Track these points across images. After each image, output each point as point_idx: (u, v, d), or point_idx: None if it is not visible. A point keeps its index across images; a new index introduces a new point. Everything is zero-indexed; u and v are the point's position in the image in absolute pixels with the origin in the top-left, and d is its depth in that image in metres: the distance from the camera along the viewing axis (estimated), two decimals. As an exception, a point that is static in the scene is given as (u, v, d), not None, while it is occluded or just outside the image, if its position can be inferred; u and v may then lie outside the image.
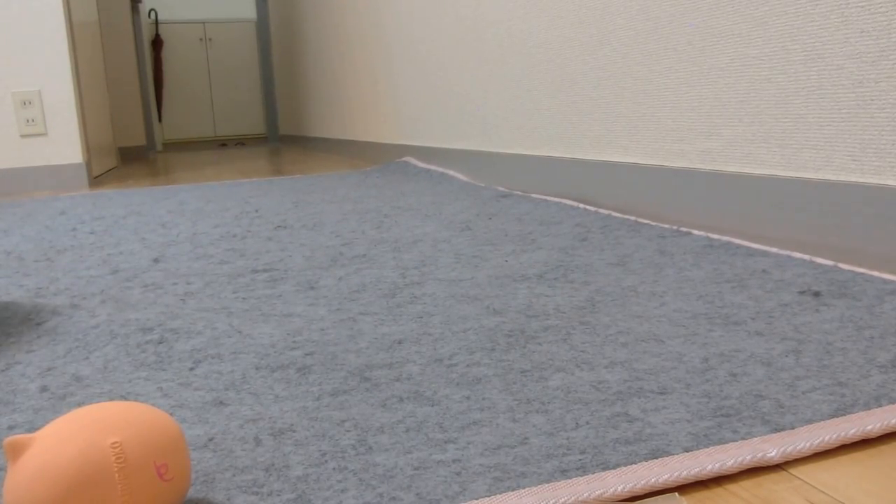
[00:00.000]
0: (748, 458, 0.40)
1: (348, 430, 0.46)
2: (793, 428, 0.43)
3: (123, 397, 0.53)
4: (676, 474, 0.39)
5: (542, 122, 1.62)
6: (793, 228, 0.95)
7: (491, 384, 0.52)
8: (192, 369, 0.58)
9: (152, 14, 5.41)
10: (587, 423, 0.45)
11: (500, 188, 1.66)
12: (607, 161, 1.38)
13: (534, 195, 1.51)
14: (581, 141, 1.47)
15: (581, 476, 0.39)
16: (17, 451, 0.32)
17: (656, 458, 0.40)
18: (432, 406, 0.49)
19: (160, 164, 3.68)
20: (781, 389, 0.49)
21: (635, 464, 0.40)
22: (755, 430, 0.43)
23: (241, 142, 5.71)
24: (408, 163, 2.33)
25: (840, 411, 0.45)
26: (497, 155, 1.83)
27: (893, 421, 0.43)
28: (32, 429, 0.48)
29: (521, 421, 0.46)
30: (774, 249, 0.91)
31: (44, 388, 0.55)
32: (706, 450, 0.41)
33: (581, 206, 1.33)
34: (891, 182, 0.84)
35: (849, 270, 0.79)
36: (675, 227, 1.07)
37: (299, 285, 0.83)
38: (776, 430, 0.43)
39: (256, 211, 1.48)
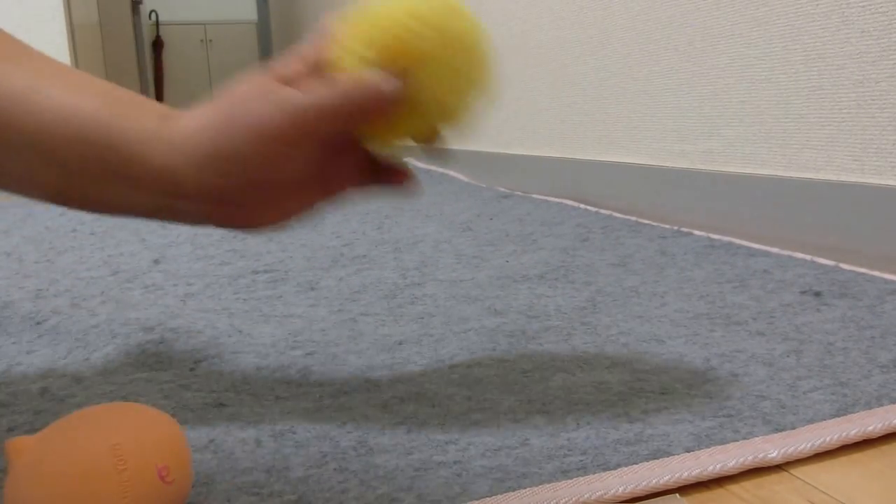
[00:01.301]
0: (749, 458, 0.40)
1: (349, 432, 0.46)
2: (794, 428, 0.43)
3: (124, 398, 0.53)
4: (678, 475, 0.39)
5: (542, 122, 1.62)
6: (794, 228, 0.95)
7: (492, 385, 0.52)
8: (192, 370, 0.58)
9: (153, 15, 5.41)
10: (588, 423, 0.45)
11: (501, 189, 1.66)
12: (608, 161, 1.38)
13: (535, 196, 1.51)
14: (582, 141, 1.47)
15: (582, 477, 0.39)
16: (17, 453, 0.32)
17: (657, 458, 0.40)
18: (433, 407, 0.49)
19: (161, 165, 3.67)
20: (783, 390, 0.49)
21: (636, 464, 0.40)
22: (756, 430, 0.43)
23: (241, 143, 5.71)
24: (408, 163, 2.33)
25: (841, 411, 0.45)
26: (498, 155, 1.83)
27: (895, 421, 0.43)
28: (33, 430, 0.48)
29: (523, 422, 0.46)
30: (776, 249, 0.91)
31: (44, 390, 0.55)
32: (707, 450, 0.41)
33: (582, 206, 1.33)
34: (892, 182, 0.84)
35: (850, 270, 0.79)
36: (676, 228, 1.07)
37: (300, 286, 0.83)
38: (777, 431, 0.43)
39: (257, 212, 1.48)
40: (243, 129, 0.39)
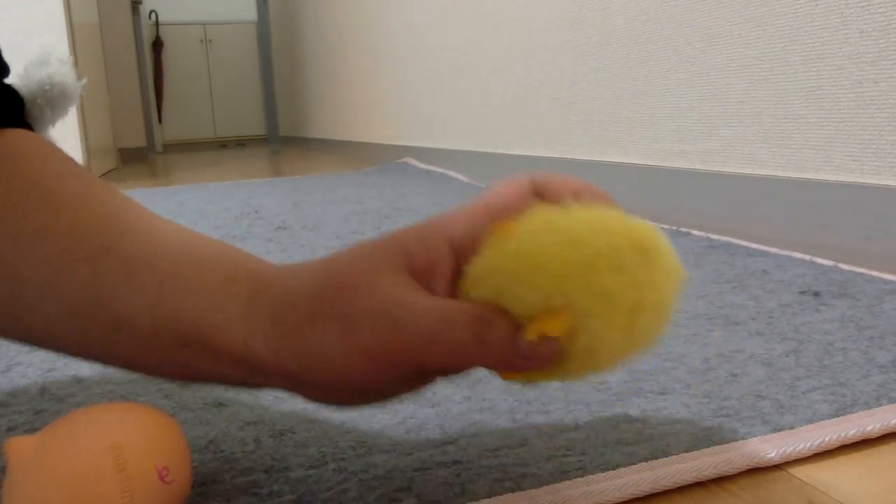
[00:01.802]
0: (748, 458, 0.40)
1: (349, 432, 0.46)
2: (793, 428, 0.43)
3: (124, 398, 0.53)
4: (676, 475, 0.39)
5: (542, 122, 1.62)
6: (793, 229, 0.95)
7: (491, 385, 0.52)
8: (192, 371, 0.58)
9: (153, 15, 5.41)
10: (587, 424, 0.45)
11: (501, 189, 1.66)
12: (607, 161, 1.38)
13: (534, 196, 1.51)
14: (581, 141, 1.47)
15: (581, 477, 0.39)
16: (17, 453, 0.32)
17: (656, 458, 0.40)
18: (432, 407, 0.49)
19: (160, 165, 3.68)
20: (781, 390, 0.49)
21: (635, 465, 0.40)
22: (755, 430, 0.43)
23: (241, 143, 5.71)
24: (408, 163, 2.33)
25: (840, 411, 0.45)
26: (497, 155, 1.83)
27: (893, 421, 0.43)
28: (33, 430, 0.48)
29: (522, 422, 0.46)
30: (774, 250, 0.91)
31: (44, 390, 0.55)
32: (706, 450, 0.41)
33: (581, 206, 1.33)
34: (891, 182, 0.84)
35: (849, 270, 0.79)
36: (675, 228, 1.07)
37: (299, 286, 0.83)
38: (776, 431, 0.43)
39: (256, 212, 1.48)
40: (342, 339, 0.31)
